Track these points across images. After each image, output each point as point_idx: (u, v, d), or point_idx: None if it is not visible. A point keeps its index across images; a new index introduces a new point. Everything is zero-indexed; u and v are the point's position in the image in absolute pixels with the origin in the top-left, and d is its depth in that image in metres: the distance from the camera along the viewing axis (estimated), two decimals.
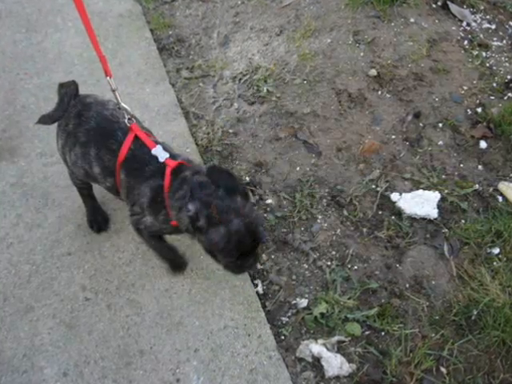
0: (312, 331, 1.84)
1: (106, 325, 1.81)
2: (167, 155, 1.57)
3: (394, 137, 2.39)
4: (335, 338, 1.80)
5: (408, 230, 2.08)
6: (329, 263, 2.00)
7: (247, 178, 2.24)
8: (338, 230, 2.09)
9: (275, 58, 2.68)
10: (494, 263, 1.98)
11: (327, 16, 2.86)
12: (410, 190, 2.19)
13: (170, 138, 2.31)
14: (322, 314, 1.85)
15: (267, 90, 2.55)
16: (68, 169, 1.85)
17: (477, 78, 2.59)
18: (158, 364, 1.74)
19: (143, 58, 2.66)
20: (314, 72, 2.62)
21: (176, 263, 1.89)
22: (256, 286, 1.94)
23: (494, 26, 2.84)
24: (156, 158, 1.56)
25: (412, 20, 2.82)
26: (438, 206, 2.12)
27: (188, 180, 1.50)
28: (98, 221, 2.02)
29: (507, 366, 1.73)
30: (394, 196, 2.16)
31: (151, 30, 2.81)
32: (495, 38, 2.77)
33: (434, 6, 2.91)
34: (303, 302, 1.89)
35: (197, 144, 2.33)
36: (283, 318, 1.87)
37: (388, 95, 2.53)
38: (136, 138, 1.60)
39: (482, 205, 2.17)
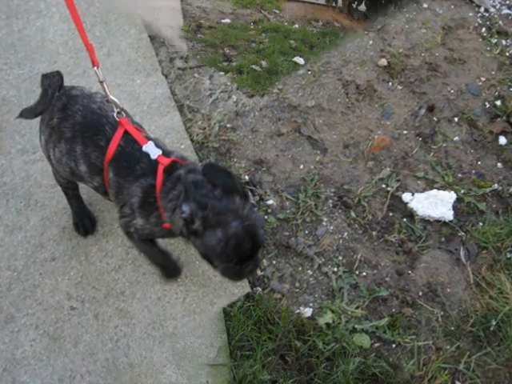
0: None
1: (93, 336, 1.81)
2: (160, 152, 1.57)
3: (405, 132, 2.39)
4: None
5: (421, 234, 2.08)
6: (335, 269, 2.00)
7: (246, 177, 2.24)
8: (345, 234, 2.09)
9: None
10: None
11: None
12: (424, 190, 2.19)
13: (163, 134, 2.31)
14: (328, 325, 1.85)
15: None
16: (52, 167, 1.85)
17: (496, 68, 2.60)
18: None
19: (133, 47, 2.66)
20: (318, 62, 2.62)
21: (169, 269, 1.89)
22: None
23: None
24: (147, 155, 1.56)
25: (425, 5, 2.82)
26: (454, 207, 2.13)
27: (182, 179, 1.50)
28: (85, 223, 2.02)
29: None
30: (406, 196, 2.17)
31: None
32: None
33: None
34: (307, 312, 1.89)
35: (192, 140, 2.34)
36: None
37: (399, 87, 2.53)
38: (126, 133, 1.60)
39: (501, 206, 2.17)
